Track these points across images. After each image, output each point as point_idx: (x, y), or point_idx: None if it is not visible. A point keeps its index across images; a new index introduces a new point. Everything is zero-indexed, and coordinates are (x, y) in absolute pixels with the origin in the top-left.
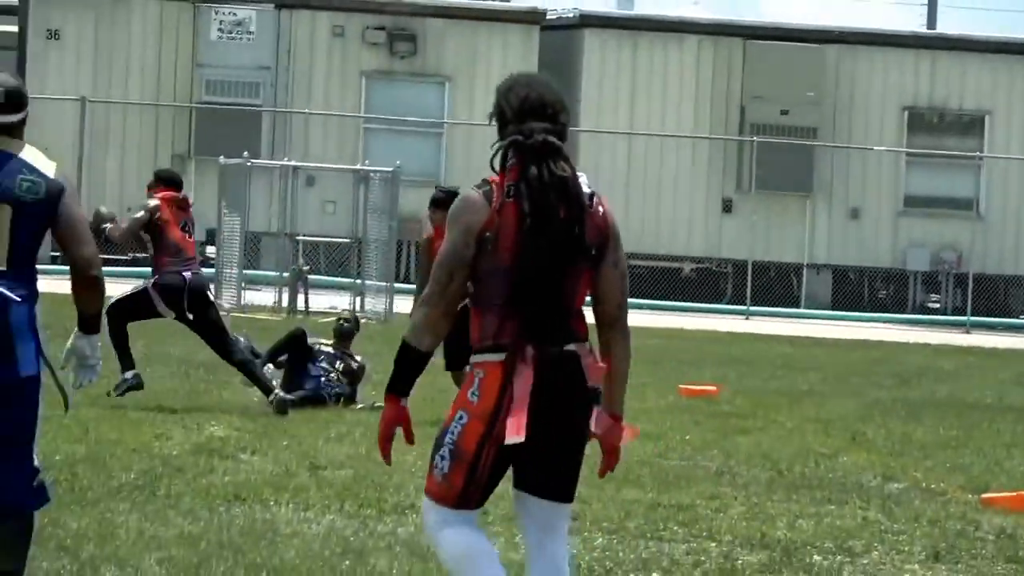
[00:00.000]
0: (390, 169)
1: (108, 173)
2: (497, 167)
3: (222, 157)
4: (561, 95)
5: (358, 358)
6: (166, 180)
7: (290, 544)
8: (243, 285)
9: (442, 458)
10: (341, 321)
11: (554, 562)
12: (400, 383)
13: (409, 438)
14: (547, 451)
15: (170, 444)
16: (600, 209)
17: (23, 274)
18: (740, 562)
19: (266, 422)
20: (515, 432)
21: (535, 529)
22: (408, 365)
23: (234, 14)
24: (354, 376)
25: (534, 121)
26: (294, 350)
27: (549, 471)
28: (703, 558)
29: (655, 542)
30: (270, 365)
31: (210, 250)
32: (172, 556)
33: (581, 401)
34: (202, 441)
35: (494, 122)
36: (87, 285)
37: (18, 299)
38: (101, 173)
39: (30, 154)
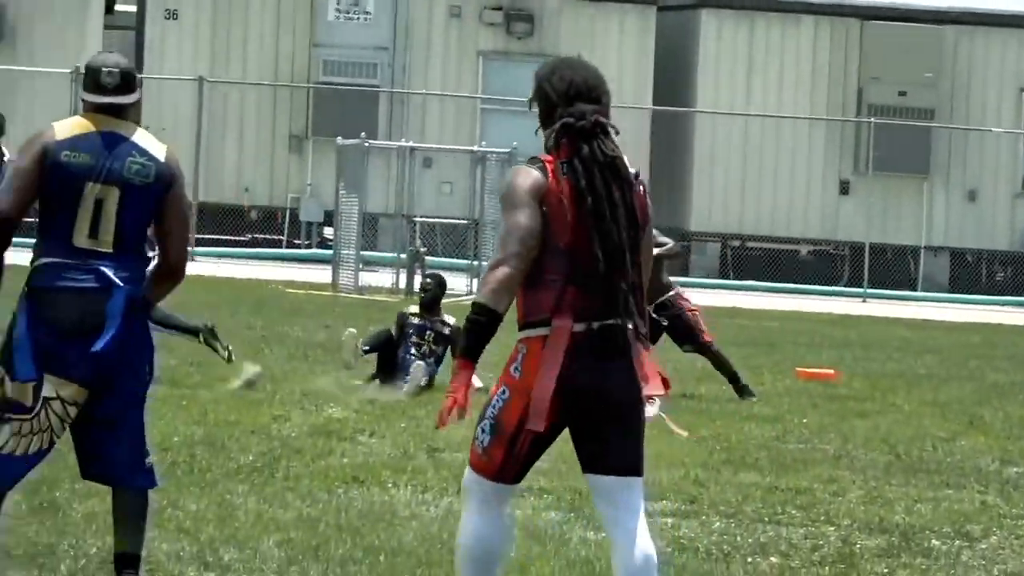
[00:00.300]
0: (507, 150)
1: (226, 154)
2: (549, 148)
3: (339, 138)
4: (602, 77)
5: (449, 320)
6: None
7: (408, 527)
8: (360, 266)
9: (483, 431)
10: (422, 292)
11: (635, 538)
12: (477, 347)
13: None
14: (602, 427)
15: (288, 426)
16: (641, 188)
17: (128, 258)
18: (858, 546)
19: (384, 403)
20: (537, 420)
21: (609, 508)
22: (484, 328)
23: None
24: (448, 340)
25: (581, 103)
26: (383, 349)
27: (608, 446)
28: (821, 542)
29: (772, 526)
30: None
31: (328, 231)
32: (291, 538)
33: (631, 375)
34: (320, 423)
35: (533, 107)
36: (170, 279)
37: (120, 282)
38: (219, 154)
39: (142, 137)
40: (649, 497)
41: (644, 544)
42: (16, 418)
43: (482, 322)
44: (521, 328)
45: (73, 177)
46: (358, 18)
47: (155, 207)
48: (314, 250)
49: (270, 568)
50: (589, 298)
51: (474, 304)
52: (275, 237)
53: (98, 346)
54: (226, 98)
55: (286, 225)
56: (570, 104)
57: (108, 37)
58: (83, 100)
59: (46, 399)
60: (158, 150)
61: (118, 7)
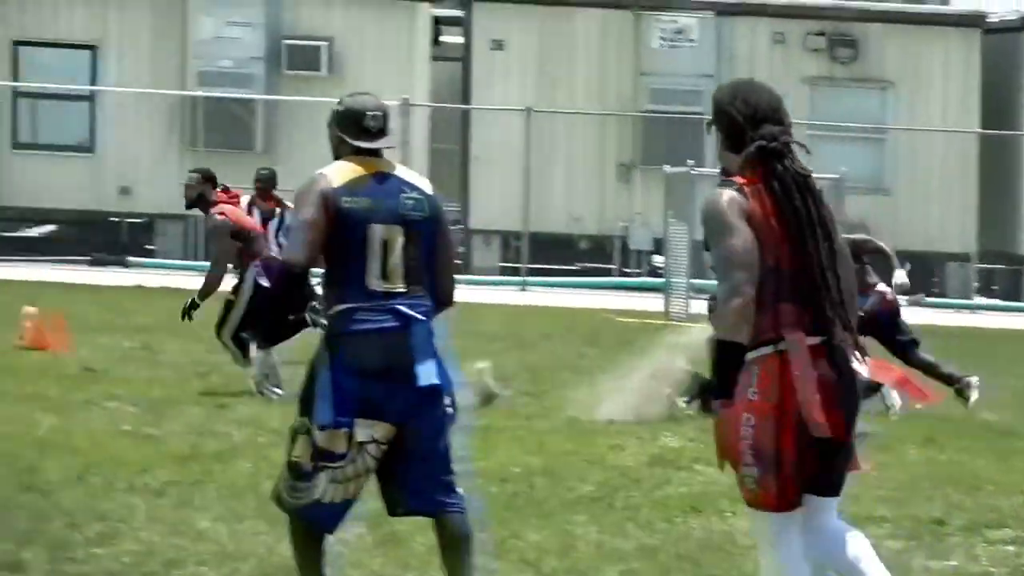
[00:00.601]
0: (835, 176)
1: (554, 183)
2: (737, 171)
3: (667, 166)
4: (781, 99)
5: None
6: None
7: (748, 556)
8: (691, 294)
9: (747, 466)
10: None
11: (832, 530)
12: (733, 384)
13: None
14: (829, 446)
15: (624, 455)
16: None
17: (419, 293)
18: None
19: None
20: (817, 421)
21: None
22: (734, 364)
23: (675, 22)
24: None
25: (769, 125)
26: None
27: (829, 467)
28: None
29: None
30: None
31: (657, 259)
32: (633, 568)
33: (854, 392)
34: (656, 452)
35: (714, 130)
36: (444, 307)
37: (420, 316)
38: (547, 184)
39: (406, 173)
40: (990, 524)
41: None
42: (331, 466)
43: (730, 359)
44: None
45: (358, 222)
46: (683, 46)
47: (429, 240)
48: (644, 278)
49: None
50: (807, 313)
51: (719, 343)
52: (605, 266)
53: (421, 381)
54: (553, 128)
55: (616, 254)
56: (758, 126)
57: (435, 69)
58: (345, 142)
59: (362, 443)
60: (424, 184)
61: (444, 38)
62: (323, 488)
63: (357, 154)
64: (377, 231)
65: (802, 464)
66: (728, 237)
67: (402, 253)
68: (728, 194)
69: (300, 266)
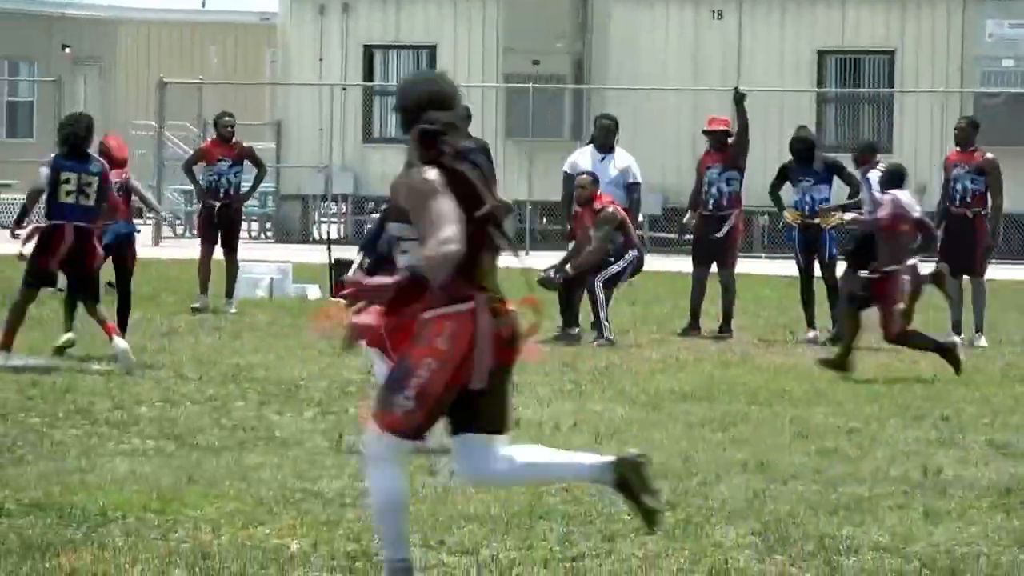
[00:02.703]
0: None
1: None
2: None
3: None
4: (453, 89)
5: None
6: None
7: None
8: None
9: (405, 397)
10: None
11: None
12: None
13: None
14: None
15: None
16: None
17: None
18: None
19: None
20: (485, 376)
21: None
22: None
23: None
24: None
25: (433, 111)
26: None
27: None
28: None
29: None
30: None
31: None
32: None
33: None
34: None
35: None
36: None
37: None
38: None
39: None
40: None
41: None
42: None
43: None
44: (435, 306)
45: None
46: None
47: None
48: None
49: None
50: (481, 275)
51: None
52: None
53: None
54: None
55: None
56: (423, 113)
57: None
58: None
59: None
60: None
61: None
62: None
63: None
64: None
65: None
66: (437, 202)
67: None
68: (425, 169)
69: None
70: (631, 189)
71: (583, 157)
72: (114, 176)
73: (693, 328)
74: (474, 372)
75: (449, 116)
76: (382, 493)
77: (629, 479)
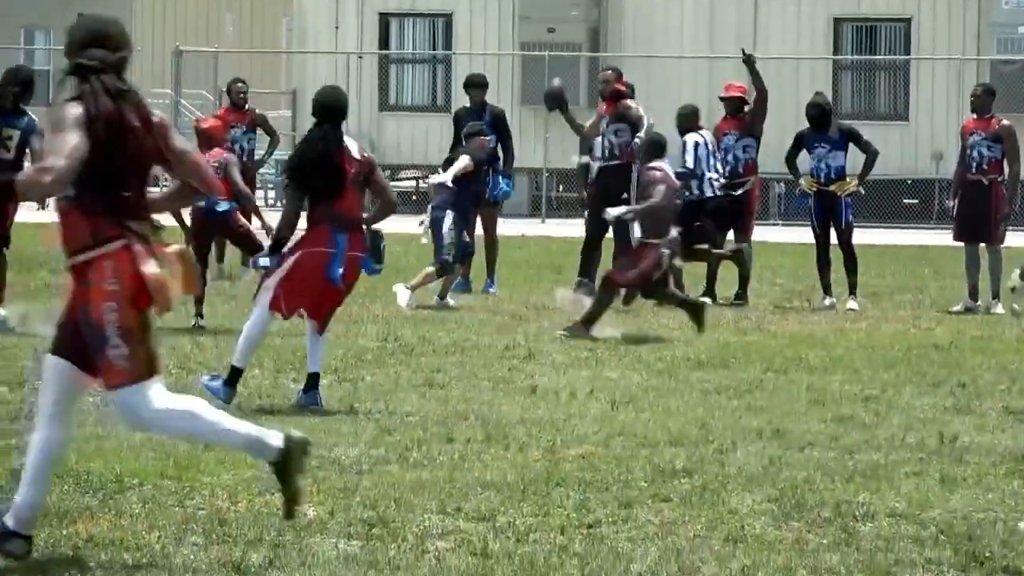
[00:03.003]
0: None
1: None
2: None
3: None
4: (118, 30)
5: None
6: None
7: None
8: None
9: (115, 347)
10: None
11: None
12: None
13: None
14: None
15: None
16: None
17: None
18: None
19: None
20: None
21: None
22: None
23: None
24: None
25: (96, 49)
26: None
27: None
28: None
29: None
30: None
31: None
32: None
33: None
34: None
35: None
36: None
37: None
38: None
39: None
40: None
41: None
42: None
43: None
44: (84, 248)
45: None
46: None
47: None
48: None
49: None
50: (129, 213)
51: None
52: None
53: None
54: None
55: None
56: (85, 50)
57: None
58: None
59: None
60: None
61: None
62: None
63: None
64: None
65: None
66: (62, 133)
67: None
68: (71, 103)
69: None
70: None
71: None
72: (212, 157)
73: (709, 296)
74: (153, 296)
75: (109, 56)
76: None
77: (291, 461)
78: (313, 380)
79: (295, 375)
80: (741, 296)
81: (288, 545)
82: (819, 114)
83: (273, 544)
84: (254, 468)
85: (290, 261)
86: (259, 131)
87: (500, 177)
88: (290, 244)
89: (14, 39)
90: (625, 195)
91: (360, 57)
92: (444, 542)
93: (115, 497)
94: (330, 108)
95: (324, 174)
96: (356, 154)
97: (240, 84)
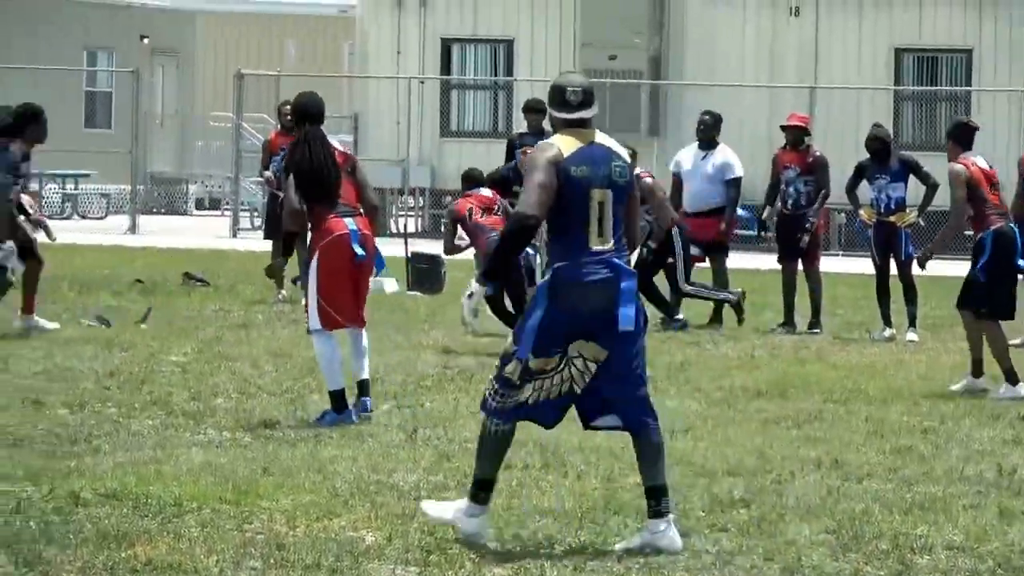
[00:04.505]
0: None
1: None
2: None
3: None
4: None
5: None
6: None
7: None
8: None
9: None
10: None
11: None
12: None
13: None
14: None
15: None
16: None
17: (623, 247)
18: None
19: None
20: None
21: None
22: None
23: None
24: None
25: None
26: None
27: None
28: None
29: None
30: None
31: None
32: None
33: None
34: None
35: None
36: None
37: (627, 267)
38: None
39: (608, 141)
40: None
41: None
42: (537, 378)
43: None
44: None
45: (583, 187)
46: None
47: (625, 200)
48: None
49: None
50: None
51: None
52: None
53: (622, 326)
54: None
55: None
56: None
57: None
58: (553, 116)
59: (570, 357)
60: (623, 151)
61: None
62: (527, 393)
63: (568, 126)
64: (596, 195)
65: None
66: None
67: (612, 215)
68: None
69: (537, 219)
70: (728, 185)
71: (686, 154)
72: None
73: (788, 324)
74: None
75: None
76: None
77: None
78: (364, 387)
79: (355, 400)
80: (815, 323)
81: (346, 570)
82: (879, 147)
83: (331, 569)
84: (312, 493)
85: (314, 267)
86: None
87: None
88: (308, 256)
89: (77, 61)
90: None
91: (422, 82)
92: (501, 569)
93: (174, 520)
94: (313, 111)
95: (326, 170)
96: (340, 147)
97: (288, 107)
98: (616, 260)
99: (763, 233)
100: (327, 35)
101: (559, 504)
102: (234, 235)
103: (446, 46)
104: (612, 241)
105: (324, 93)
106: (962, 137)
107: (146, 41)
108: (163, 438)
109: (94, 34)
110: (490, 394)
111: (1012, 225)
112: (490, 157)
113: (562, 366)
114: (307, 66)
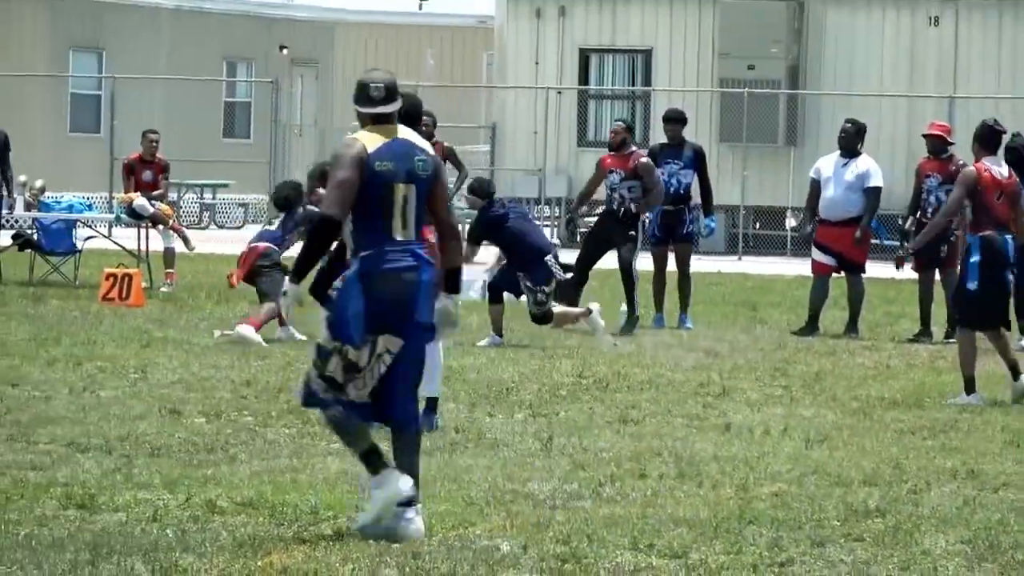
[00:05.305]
0: None
1: None
2: None
3: None
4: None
5: None
6: None
7: None
8: None
9: None
10: None
11: None
12: None
13: None
14: None
15: None
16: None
17: (422, 240)
18: None
19: None
20: None
21: None
22: None
23: None
24: None
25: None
26: None
27: None
28: None
29: None
30: None
31: None
32: None
33: None
34: None
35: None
36: (456, 240)
37: (431, 262)
38: None
39: (412, 136)
40: None
41: None
42: (356, 376)
43: None
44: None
45: (387, 181)
46: None
47: (430, 193)
48: None
49: None
50: None
51: None
52: None
53: (420, 317)
54: None
55: None
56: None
57: None
58: (358, 111)
59: (380, 354)
60: (427, 146)
61: None
62: (354, 393)
63: (373, 122)
64: (399, 189)
65: None
66: None
67: (415, 209)
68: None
69: (337, 217)
70: (867, 194)
71: (826, 162)
72: None
73: (925, 335)
74: None
75: None
76: None
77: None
78: (432, 404)
79: (490, 409)
80: (952, 333)
81: None
82: (1016, 158)
83: None
84: (448, 503)
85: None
86: (447, 163)
87: (701, 214)
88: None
89: (216, 71)
90: None
91: (559, 92)
92: None
93: (310, 529)
94: (412, 113)
95: None
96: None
97: (424, 118)
98: (419, 251)
99: (904, 244)
100: (466, 45)
101: (694, 514)
102: None
103: (584, 56)
104: (414, 233)
105: (462, 103)
106: (987, 140)
107: (285, 51)
108: (299, 447)
109: (233, 45)
110: (317, 388)
111: (1007, 236)
112: None
113: (373, 362)
114: (446, 76)
